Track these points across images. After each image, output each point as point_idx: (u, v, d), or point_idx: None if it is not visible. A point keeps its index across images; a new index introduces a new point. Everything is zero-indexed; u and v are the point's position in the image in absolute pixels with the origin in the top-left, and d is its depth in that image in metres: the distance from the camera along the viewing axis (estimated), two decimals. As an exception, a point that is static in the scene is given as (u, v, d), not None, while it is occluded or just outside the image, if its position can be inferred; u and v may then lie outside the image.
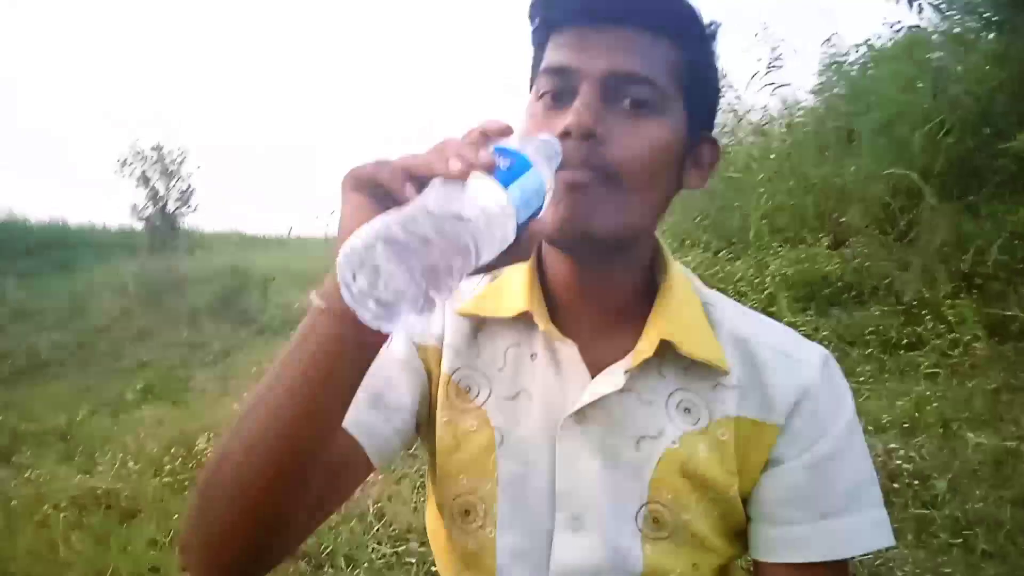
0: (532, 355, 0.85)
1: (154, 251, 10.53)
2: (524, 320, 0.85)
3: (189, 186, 14.31)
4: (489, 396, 0.85)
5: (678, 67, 0.78)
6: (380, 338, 0.63)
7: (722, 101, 7.15)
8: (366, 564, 2.33)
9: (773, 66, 6.45)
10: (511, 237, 0.58)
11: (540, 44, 0.83)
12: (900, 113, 5.73)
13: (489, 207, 0.56)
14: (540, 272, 0.87)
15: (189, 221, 13.88)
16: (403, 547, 2.41)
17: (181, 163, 14.14)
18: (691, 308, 0.85)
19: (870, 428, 3.12)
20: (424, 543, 2.38)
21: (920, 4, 5.84)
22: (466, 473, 0.85)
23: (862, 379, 3.67)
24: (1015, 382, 3.42)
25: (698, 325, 0.84)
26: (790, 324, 3.90)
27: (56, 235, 13.14)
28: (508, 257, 0.61)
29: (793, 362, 0.84)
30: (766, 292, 4.56)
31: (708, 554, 0.84)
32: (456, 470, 0.85)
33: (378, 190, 0.60)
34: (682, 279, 0.88)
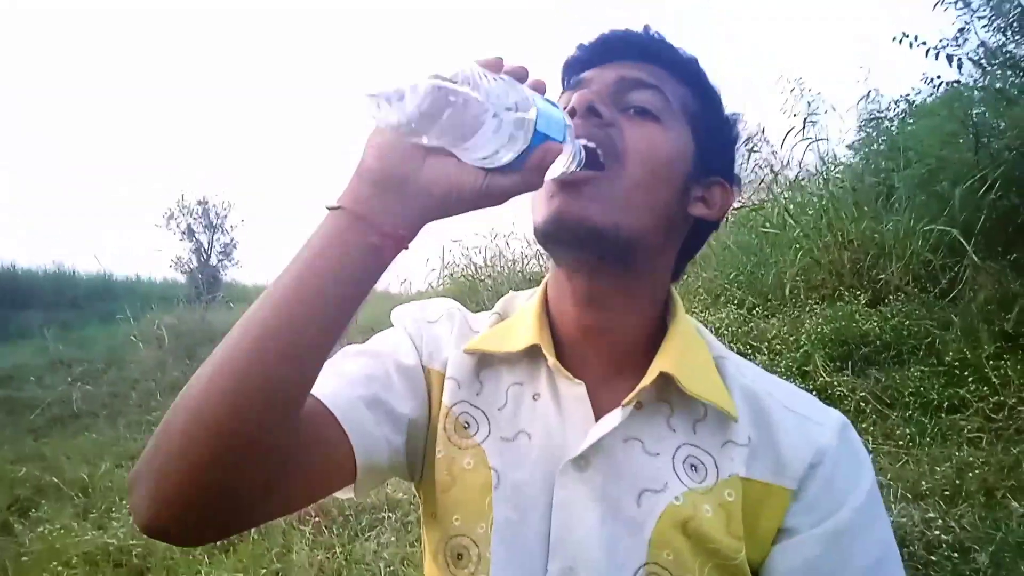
0: (535, 395, 0.84)
1: (193, 303, 10.67)
2: (530, 357, 0.84)
3: (232, 239, 14.60)
4: (488, 435, 0.83)
5: (686, 101, 0.82)
6: (389, 244, 0.62)
7: (758, 157, 7.15)
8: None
9: (810, 121, 6.38)
10: (529, 134, 0.62)
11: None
12: (940, 168, 5.62)
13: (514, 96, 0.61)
14: (547, 314, 0.87)
15: (232, 274, 14.11)
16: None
17: (226, 216, 14.46)
18: (698, 352, 0.84)
19: (908, 495, 2.96)
20: None
21: (960, 59, 5.76)
22: (460, 513, 0.80)
23: (901, 443, 3.50)
24: (1063, 449, 3.24)
25: (704, 368, 0.83)
26: (826, 384, 3.78)
27: (100, 287, 13.43)
28: (521, 180, 0.64)
29: (809, 424, 0.79)
30: (801, 350, 4.41)
31: None
32: (451, 509, 0.81)
33: None
34: (691, 327, 0.87)
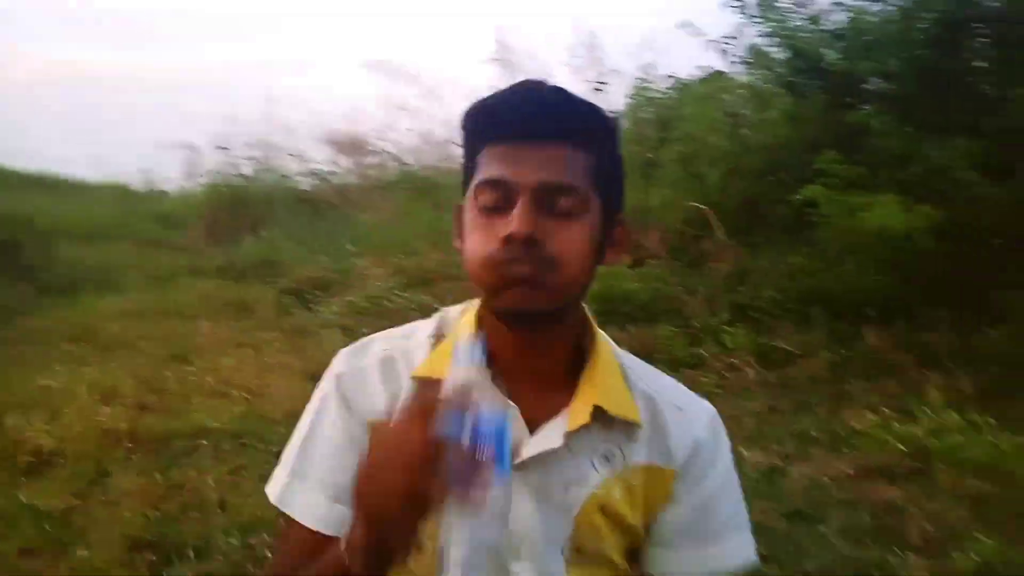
0: None
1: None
2: None
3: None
4: None
5: (594, 170, 0.90)
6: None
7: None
8: (218, 556, 2.29)
9: (597, 89, 6.82)
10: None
11: (472, 152, 0.93)
12: (700, 150, 6.28)
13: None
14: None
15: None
16: (254, 539, 2.39)
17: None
18: (614, 375, 0.99)
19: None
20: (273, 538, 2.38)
21: (730, 55, 6.41)
22: None
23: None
24: (778, 406, 3.90)
25: (620, 389, 0.98)
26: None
27: None
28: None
29: (690, 418, 1.00)
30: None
31: (615, 572, 0.99)
32: None
33: None
34: (606, 348, 1.01)
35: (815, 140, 5.71)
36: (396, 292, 5.57)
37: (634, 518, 0.98)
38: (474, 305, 1.02)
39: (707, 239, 5.73)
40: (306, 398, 3.05)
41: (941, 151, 4.66)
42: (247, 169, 10.05)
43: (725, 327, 4.72)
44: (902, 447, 3.21)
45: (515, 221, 0.85)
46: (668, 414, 1.00)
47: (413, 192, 8.02)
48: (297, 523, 0.97)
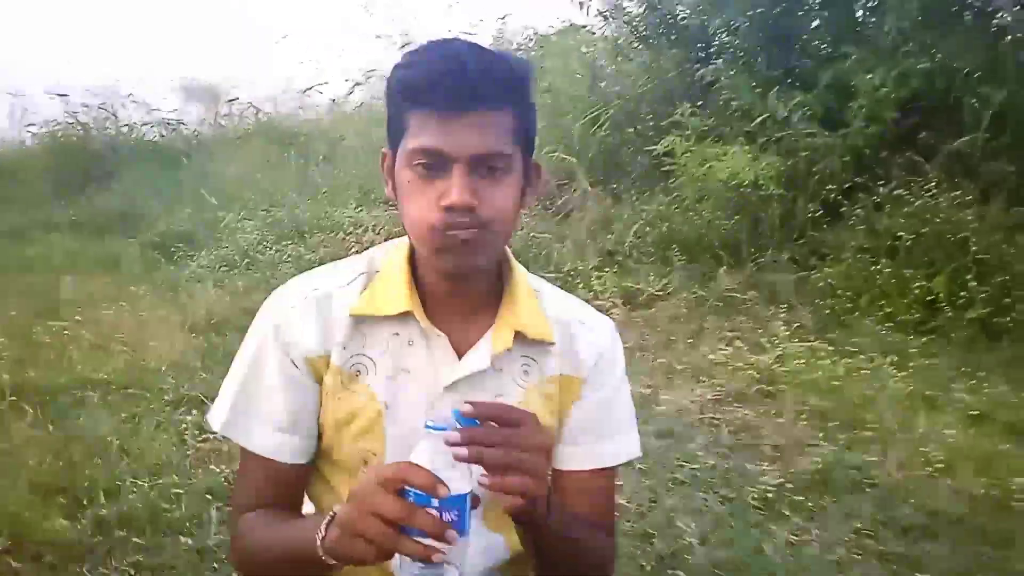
0: (409, 341, 1.07)
1: None
2: (404, 316, 1.07)
3: None
4: (376, 376, 1.07)
5: (517, 128, 0.98)
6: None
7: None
8: (130, 496, 2.31)
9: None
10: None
11: (400, 111, 0.99)
12: (564, 102, 6.50)
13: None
14: (413, 273, 1.09)
15: None
16: (163, 480, 2.42)
17: None
18: (530, 301, 1.11)
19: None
20: (183, 479, 2.44)
21: (588, 8, 6.65)
22: (361, 438, 1.07)
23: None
24: (644, 343, 4.21)
25: (536, 313, 1.11)
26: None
27: None
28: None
29: (594, 333, 1.16)
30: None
31: None
32: (352, 437, 1.07)
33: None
34: (522, 275, 1.13)
35: (671, 93, 6.07)
36: (266, 244, 5.53)
37: (550, 422, 1.12)
38: (400, 245, 1.11)
39: (572, 189, 5.99)
40: (187, 349, 3.13)
41: (783, 104, 5.07)
42: (87, 118, 9.43)
43: (594, 272, 5.00)
44: (754, 374, 3.58)
45: (454, 192, 0.93)
46: (576, 329, 1.14)
47: (274, 143, 7.87)
48: (250, 454, 1.08)
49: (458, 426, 0.86)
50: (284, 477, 1.09)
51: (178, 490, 2.38)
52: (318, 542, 0.89)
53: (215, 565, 2.11)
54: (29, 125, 9.77)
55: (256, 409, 1.08)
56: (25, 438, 2.60)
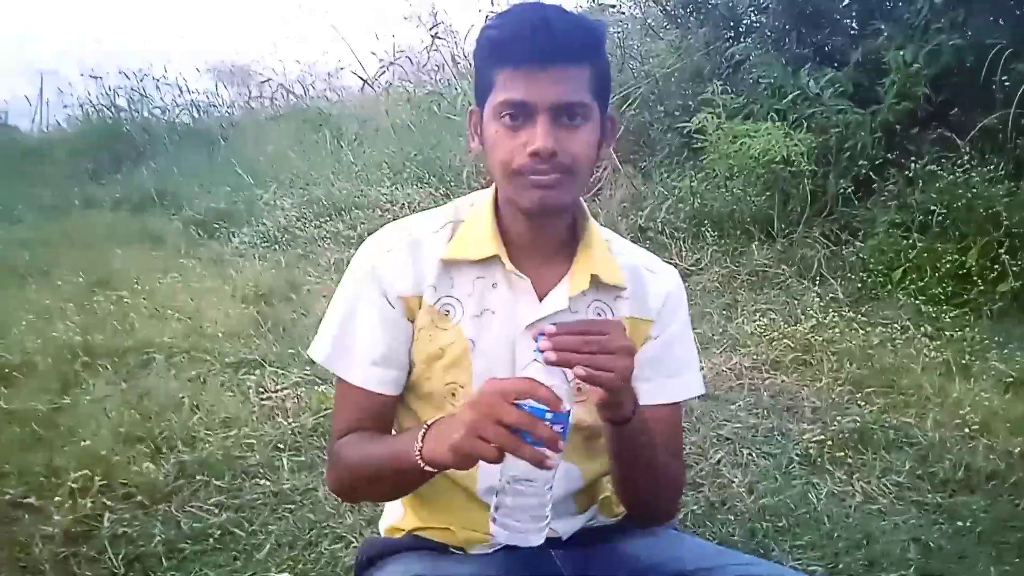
0: (494, 284, 1.17)
1: None
2: (489, 260, 1.17)
3: None
4: (463, 316, 1.16)
5: (593, 81, 1.09)
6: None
7: (441, 44, 7.57)
8: (206, 446, 2.45)
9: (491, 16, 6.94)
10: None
11: (487, 70, 1.10)
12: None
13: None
14: (498, 222, 1.18)
15: None
16: (235, 431, 2.56)
17: None
18: (603, 248, 1.22)
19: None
20: (253, 431, 2.57)
21: (619, -11, 6.71)
22: (449, 371, 1.17)
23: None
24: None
25: (609, 259, 1.21)
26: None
27: None
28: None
29: (660, 278, 1.27)
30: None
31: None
32: (442, 371, 1.18)
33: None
34: (595, 226, 1.23)
35: (700, 71, 6.13)
36: (305, 221, 5.65)
37: None
38: (485, 196, 1.22)
39: (604, 166, 6.05)
40: (241, 319, 3.24)
41: (814, 81, 5.13)
42: (120, 99, 9.59)
43: (626, 248, 5.06)
44: (790, 343, 3.66)
45: (539, 139, 1.04)
46: (644, 275, 1.25)
47: (306, 124, 7.98)
48: (348, 384, 1.18)
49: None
50: (378, 407, 1.19)
51: (249, 441, 2.51)
52: (416, 451, 1.00)
53: (290, 506, 2.24)
54: (64, 107, 10.01)
55: (354, 344, 1.18)
56: (102, 393, 2.74)
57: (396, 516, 1.30)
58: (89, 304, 3.71)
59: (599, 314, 1.21)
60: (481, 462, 0.93)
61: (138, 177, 7.38)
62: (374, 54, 8.57)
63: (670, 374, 1.25)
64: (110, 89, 9.50)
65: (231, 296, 4.03)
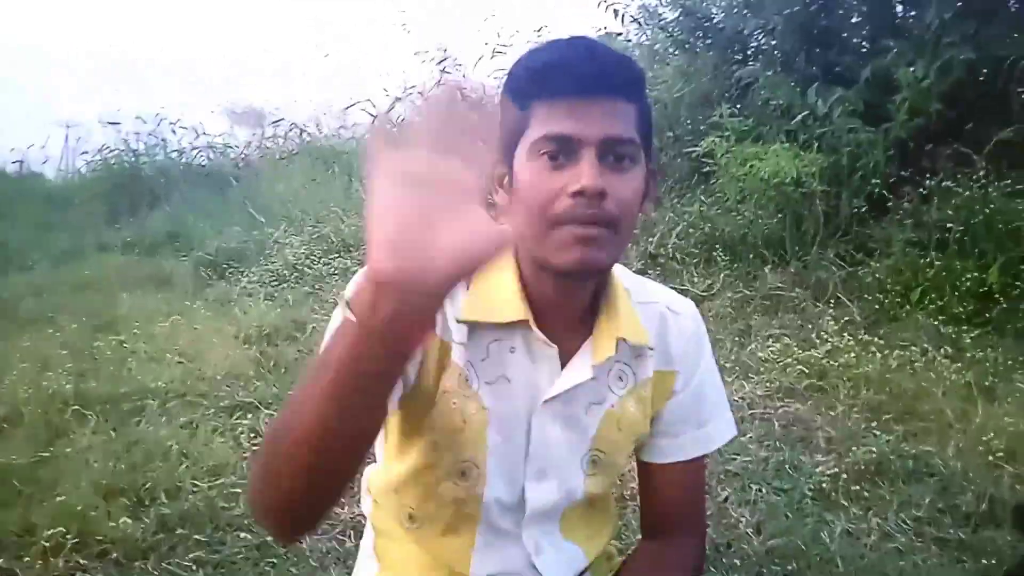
0: (511, 348, 1.03)
1: None
2: (511, 323, 1.02)
3: None
4: (479, 383, 1.03)
5: (639, 121, 0.96)
6: (405, 349, 0.70)
7: (448, 78, 7.59)
8: (190, 496, 2.37)
9: (498, 52, 6.97)
10: None
11: (523, 108, 0.95)
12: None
13: None
14: (523, 287, 1.03)
15: None
16: (221, 480, 2.48)
17: None
18: (626, 304, 1.07)
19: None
20: (241, 479, 2.48)
21: (623, 15, 6.67)
22: (468, 446, 1.05)
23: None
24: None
25: (632, 316, 1.07)
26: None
27: None
28: None
29: (680, 319, 1.13)
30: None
31: (620, 472, 1.18)
32: (461, 444, 1.05)
33: None
34: (618, 282, 1.08)
35: (709, 95, 6.05)
36: (314, 258, 5.62)
37: (644, 424, 1.11)
38: None
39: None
40: (242, 360, 3.16)
41: (823, 100, 5.03)
42: (137, 145, 9.69)
43: (643, 272, 4.97)
44: (804, 369, 3.53)
45: (585, 175, 0.90)
46: (666, 317, 1.11)
47: (318, 161, 8.00)
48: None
49: None
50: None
51: (236, 489, 2.42)
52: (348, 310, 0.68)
53: (274, 560, 2.14)
54: (83, 153, 10.14)
55: None
56: (88, 443, 2.68)
57: None
58: (88, 350, 3.68)
59: (620, 377, 1.09)
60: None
61: (153, 220, 7.42)
62: (385, 90, 8.60)
63: (700, 424, 1.14)
64: (128, 135, 9.62)
65: (234, 337, 3.98)
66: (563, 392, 1.03)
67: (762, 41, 6.13)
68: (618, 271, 1.10)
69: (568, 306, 1.04)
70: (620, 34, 7.21)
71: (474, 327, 1.02)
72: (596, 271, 0.98)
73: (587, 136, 0.91)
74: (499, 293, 1.02)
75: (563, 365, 1.04)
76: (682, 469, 1.14)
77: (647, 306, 1.11)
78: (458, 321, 1.01)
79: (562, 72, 0.92)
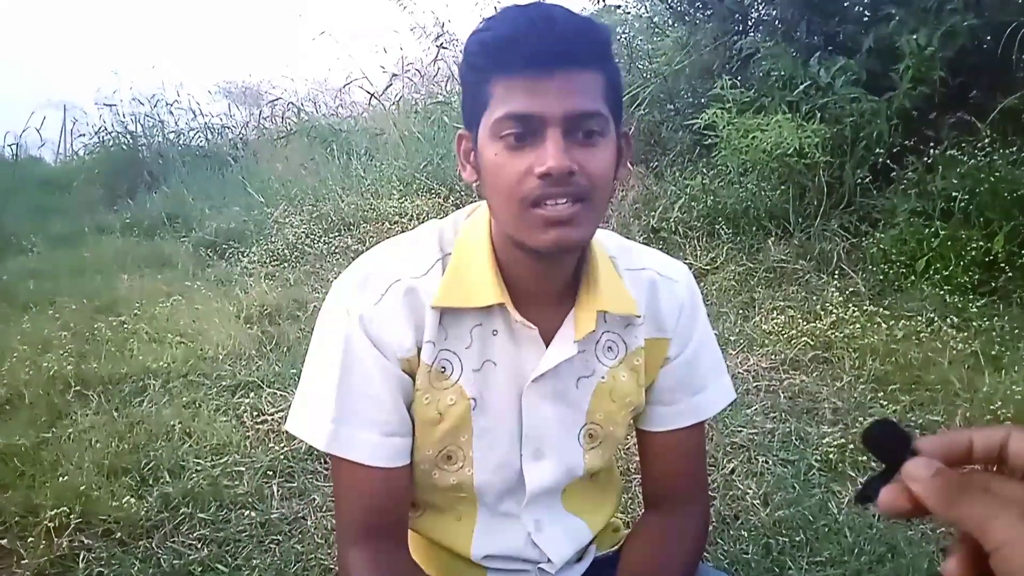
0: (494, 332, 1.01)
1: None
2: (489, 306, 0.99)
3: None
4: (462, 372, 1.01)
5: (606, 90, 0.90)
6: None
7: (446, 53, 7.53)
8: (194, 475, 2.36)
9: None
10: None
11: (481, 85, 0.91)
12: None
13: None
14: (498, 265, 1.00)
15: None
16: (224, 459, 2.47)
17: None
18: (609, 274, 1.03)
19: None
20: (244, 458, 2.47)
21: (622, -12, 6.60)
22: (449, 435, 1.03)
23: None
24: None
25: (617, 286, 1.03)
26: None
27: None
28: None
29: (672, 284, 1.09)
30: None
31: (619, 443, 1.16)
32: (440, 435, 1.03)
33: None
34: (600, 249, 1.04)
35: (709, 67, 5.99)
36: (314, 237, 5.59)
37: (639, 394, 1.09)
38: (476, 225, 1.02)
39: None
40: (243, 339, 3.14)
41: (825, 70, 4.97)
42: (135, 126, 9.62)
43: (638, 250, 4.94)
44: (809, 341, 3.51)
45: (550, 156, 0.85)
46: (656, 282, 1.07)
47: (317, 140, 7.95)
48: (353, 464, 0.99)
49: None
50: (397, 482, 1.02)
51: (239, 468, 2.42)
52: None
53: (278, 537, 2.14)
54: (80, 136, 10.08)
55: (361, 418, 0.99)
56: (90, 424, 2.67)
57: None
58: (89, 332, 3.66)
59: (610, 348, 1.06)
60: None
61: (151, 202, 7.37)
62: (382, 68, 8.54)
63: (696, 391, 1.12)
64: (125, 116, 9.55)
65: (235, 317, 3.95)
66: (549, 370, 1.01)
67: (762, 11, 6.06)
68: (602, 238, 1.07)
69: (547, 283, 1.01)
70: (619, 6, 7.16)
71: (455, 313, 1.00)
72: (574, 248, 0.95)
73: (549, 113, 0.86)
74: (475, 276, 0.99)
75: (548, 343, 1.02)
76: (681, 437, 1.12)
77: (636, 272, 1.08)
78: (432, 307, 0.98)
79: (517, 47, 0.86)
